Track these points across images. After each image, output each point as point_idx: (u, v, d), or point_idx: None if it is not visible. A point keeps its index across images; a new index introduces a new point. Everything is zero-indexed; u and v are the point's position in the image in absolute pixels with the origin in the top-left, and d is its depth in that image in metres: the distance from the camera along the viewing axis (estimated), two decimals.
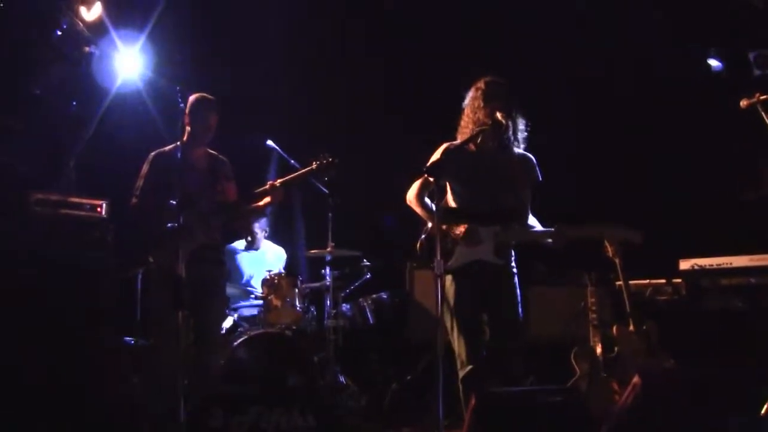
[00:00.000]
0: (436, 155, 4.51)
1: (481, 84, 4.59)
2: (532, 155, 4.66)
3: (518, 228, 4.53)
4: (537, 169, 4.64)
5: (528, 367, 5.66)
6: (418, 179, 4.69)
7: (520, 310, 4.55)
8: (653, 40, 6.90)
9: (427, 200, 4.66)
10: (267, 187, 5.06)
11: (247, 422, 3.71)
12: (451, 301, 4.48)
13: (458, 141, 4.58)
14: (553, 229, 4.47)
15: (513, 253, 4.61)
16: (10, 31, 5.86)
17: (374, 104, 7.82)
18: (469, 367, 4.40)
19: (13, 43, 5.91)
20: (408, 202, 4.72)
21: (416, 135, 5.28)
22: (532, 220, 4.64)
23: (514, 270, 4.59)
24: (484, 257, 4.46)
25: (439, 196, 4.04)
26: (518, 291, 4.55)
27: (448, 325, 4.48)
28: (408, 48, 7.75)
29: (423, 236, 4.58)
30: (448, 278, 4.47)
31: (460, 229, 4.45)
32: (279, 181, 5.14)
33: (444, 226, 4.44)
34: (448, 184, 4.59)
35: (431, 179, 4.42)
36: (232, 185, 5.24)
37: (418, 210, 4.67)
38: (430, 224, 4.55)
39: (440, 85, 4.87)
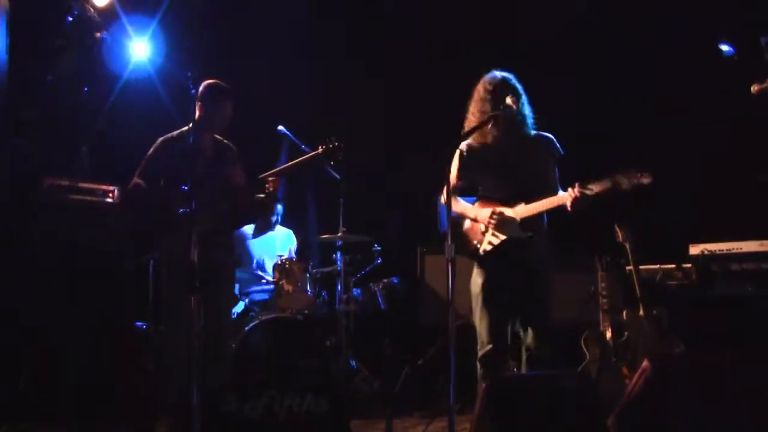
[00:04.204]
0: (453, 171, 4.50)
1: (487, 80, 4.62)
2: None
3: (541, 199, 4.51)
4: (557, 144, 4.68)
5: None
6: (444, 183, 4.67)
7: (547, 287, 4.59)
8: (668, 22, 6.87)
9: (460, 199, 4.71)
10: (273, 171, 5.07)
11: (260, 406, 3.73)
12: (480, 281, 4.55)
13: (468, 138, 4.62)
14: (570, 191, 4.42)
15: (545, 226, 4.62)
16: (22, 18, 5.89)
17: (387, 88, 7.80)
18: (489, 346, 4.45)
19: (25, 30, 5.95)
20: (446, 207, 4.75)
21: (429, 120, 5.27)
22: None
23: (546, 242, 4.60)
24: (512, 234, 4.49)
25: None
26: (547, 266, 4.58)
27: (473, 304, 4.55)
28: (419, 35, 7.73)
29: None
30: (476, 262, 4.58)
31: (487, 215, 4.51)
32: (288, 164, 5.18)
33: (473, 216, 4.59)
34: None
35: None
36: (238, 170, 5.22)
37: (457, 212, 4.68)
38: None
39: (454, 71, 4.85)
